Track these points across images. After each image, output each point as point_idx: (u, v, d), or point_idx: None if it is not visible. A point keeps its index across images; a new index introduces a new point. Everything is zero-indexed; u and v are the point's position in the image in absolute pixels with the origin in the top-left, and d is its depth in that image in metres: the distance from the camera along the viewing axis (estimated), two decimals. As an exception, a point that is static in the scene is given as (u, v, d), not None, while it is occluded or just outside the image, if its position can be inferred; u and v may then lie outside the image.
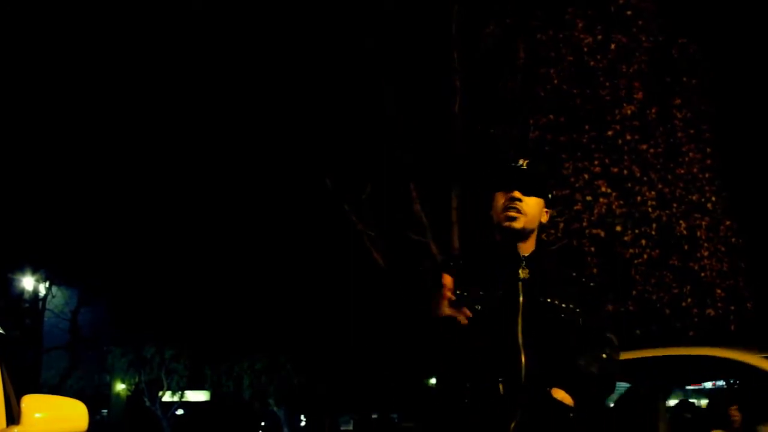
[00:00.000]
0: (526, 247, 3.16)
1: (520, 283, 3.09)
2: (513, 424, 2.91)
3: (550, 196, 3.26)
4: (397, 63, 14.78)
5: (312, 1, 14.77)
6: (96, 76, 18.85)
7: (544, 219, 3.21)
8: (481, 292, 3.07)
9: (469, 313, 2.89)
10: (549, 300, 3.08)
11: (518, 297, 3.06)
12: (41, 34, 18.60)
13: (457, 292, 2.98)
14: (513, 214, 3.09)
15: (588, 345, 3.09)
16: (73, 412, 3.61)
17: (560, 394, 2.96)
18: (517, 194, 3.10)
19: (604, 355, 3.11)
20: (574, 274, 3.26)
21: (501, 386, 2.95)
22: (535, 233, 3.19)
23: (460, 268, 3.13)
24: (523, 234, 3.13)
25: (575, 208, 13.59)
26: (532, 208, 3.12)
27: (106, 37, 17.47)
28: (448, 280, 2.91)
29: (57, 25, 18.23)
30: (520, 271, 3.11)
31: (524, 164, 3.15)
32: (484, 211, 3.30)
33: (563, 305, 3.09)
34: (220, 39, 15.19)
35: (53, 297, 32.21)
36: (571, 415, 2.96)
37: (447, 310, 2.89)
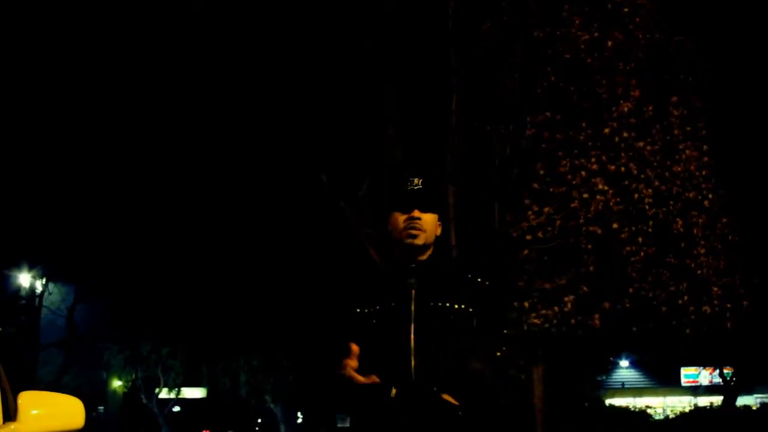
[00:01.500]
0: (420, 259, 3.32)
1: (413, 291, 3.23)
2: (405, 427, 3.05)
3: (441, 211, 3.43)
4: (395, 60, 14.78)
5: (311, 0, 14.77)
6: (94, 72, 18.84)
7: (438, 232, 3.38)
8: (377, 306, 3.26)
9: (377, 379, 3.07)
10: (440, 303, 3.21)
11: (410, 305, 3.20)
12: (41, 33, 18.59)
13: (357, 311, 3.28)
14: (414, 231, 3.26)
15: (480, 343, 3.22)
16: (70, 408, 3.61)
17: (446, 398, 3.07)
18: (416, 213, 3.27)
19: (498, 353, 3.30)
20: (469, 275, 3.38)
21: (393, 390, 3.06)
22: (432, 246, 3.36)
23: (360, 286, 3.39)
24: (423, 249, 3.30)
25: (572, 205, 13.60)
26: (429, 225, 3.30)
27: (105, 37, 17.46)
28: (354, 348, 3.14)
29: (57, 25, 18.22)
30: (410, 280, 3.25)
31: (419, 183, 3.32)
32: (383, 230, 3.46)
33: (455, 306, 3.22)
34: (219, 37, 15.18)
35: (50, 294, 32.23)
36: (460, 413, 3.09)
37: (354, 377, 3.10)
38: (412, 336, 3.14)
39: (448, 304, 3.22)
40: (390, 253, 3.43)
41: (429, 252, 3.34)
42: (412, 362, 3.10)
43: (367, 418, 3.15)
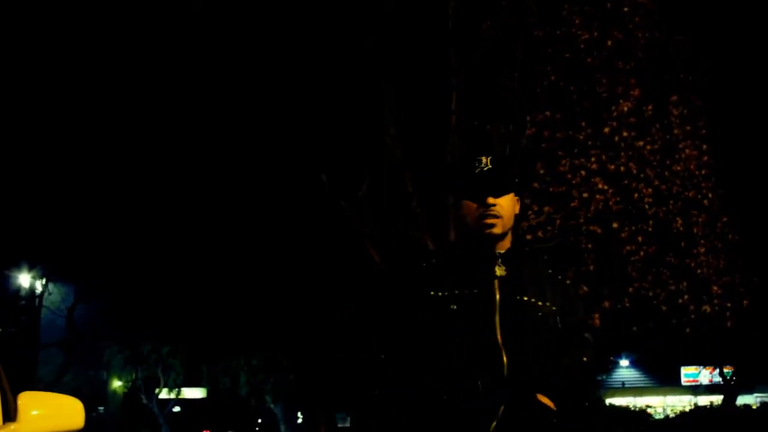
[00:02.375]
0: (503, 245, 3.11)
1: (496, 281, 3.02)
2: (494, 424, 2.85)
3: (517, 181, 3.23)
4: (394, 60, 14.78)
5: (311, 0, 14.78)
6: (93, 72, 18.85)
7: (517, 210, 3.16)
8: (457, 291, 3.01)
9: None
10: (526, 298, 3.02)
11: (494, 295, 2.99)
12: (41, 33, 18.59)
13: (431, 293, 3.02)
14: (491, 221, 3.03)
15: (567, 345, 3.07)
16: (70, 409, 3.61)
17: (544, 400, 2.92)
18: (491, 200, 3.03)
19: (585, 359, 3.11)
20: (550, 271, 3.20)
21: (480, 384, 2.87)
22: (511, 230, 3.15)
23: (433, 268, 3.12)
24: (503, 237, 3.09)
25: (572, 204, 13.60)
26: (507, 209, 3.07)
27: (105, 37, 17.46)
28: None
29: (57, 25, 18.23)
30: (496, 269, 3.05)
31: (488, 163, 3.07)
32: (456, 219, 3.27)
33: (540, 303, 3.04)
34: (219, 37, 15.19)
35: (50, 294, 32.25)
36: (555, 420, 2.92)
37: None
38: (498, 329, 2.94)
39: (533, 300, 3.03)
40: (464, 240, 3.19)
41: (509, 237, 3.13)
42: (504, 357, 2.90)
43: (448, 411, 2.91)
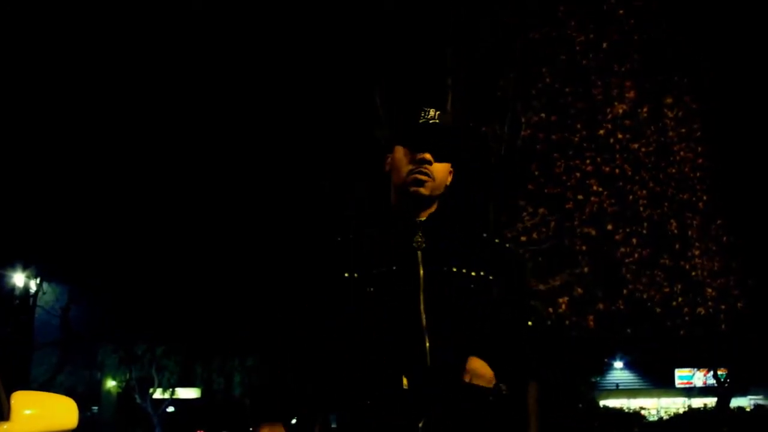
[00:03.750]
0: (425, 213, 2.69)
1: (419, 253, 2.59)
2: (421, 423, 2.44)
3: (455, 159, 2.78)
4: (391, 60, 14.78)
5: (310, 2, 14.77)
6: (90, 70, 18.83)
7: (448, 181, 2.73)
8: (374, 270, 2.58)
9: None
10: (455, 269, 2.58)
11: (418, 269, 2.56)
12: (40, 32, 18.58)
13: (345, 275, 2.60)
14: (421, 177, 2.61)
15: (507, 313, 2.64)
16: (63, 408, 3.61)
17: (477, 363, 2.50)
18: (428, 156, 2.62)
19: (529, 323, 2.69)
20: (484, 234, 2.76)
21: (404, 379, 2.45)
22: (437, 200, 2.73)
23: (347, 244, 2.69)
24: (430, 201, 2.67)
25: (567, 206, 13.62)
26: (440, 173, 2.65)
27: (103, 37, 17.45)
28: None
29: (56, 25, 18.22)
30: (416, 238, 2.62)
31: (435, 116, 2.65)
32: (379, 169, 2.83)
33: (473, 273, 2.59)
34: (218, 40, 15.19)
35: (44, 294, 32.16)
36: (491, 398, 2.50)
37: None
38: (423, 308, 2.50)
39: (464, 270, 2.58)
40: (385, 201, 2.78)
41: (434, 205, 2.70)
42: (426, 344, 2.46)
43: (370, 415, 2.49)
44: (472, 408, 2.48)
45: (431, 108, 2.67)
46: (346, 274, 2.60)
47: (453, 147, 2.73)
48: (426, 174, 2.61)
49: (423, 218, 2.67)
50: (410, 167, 2.63)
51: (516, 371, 2.61)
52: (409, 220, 2.66)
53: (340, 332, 2.60)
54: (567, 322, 13.89)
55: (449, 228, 2.69)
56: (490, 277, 2.61)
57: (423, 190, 2.62)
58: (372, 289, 2.55)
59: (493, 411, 2.51)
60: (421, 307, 2.51)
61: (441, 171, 2.66)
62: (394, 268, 2.57)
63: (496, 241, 2.74)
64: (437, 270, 2.57)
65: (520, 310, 2.69)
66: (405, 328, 2.49)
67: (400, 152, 2.69)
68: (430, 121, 2.64)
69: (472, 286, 2.58)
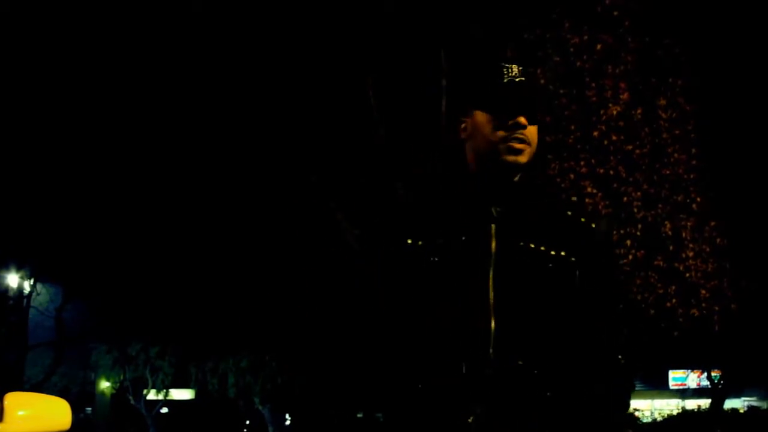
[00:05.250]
0: (514, 182, 2.37)
1: (493, 225, 2.30)
2: (471, 418, 2.17)
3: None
4: (384, 61, 14.79)
5: (302, 2, 14.78)
6: (84, 70, 18.80)
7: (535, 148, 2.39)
8: (440, 240, 2.29)
9: None
10: (532, 245, 2.28)
11: (490, 242, 2.27)
12: (39, 32, 18.55)
13: (408, 241, 2.32)
14: (519, 146, 2.29)
15: (591, 310, 2.33)
16: (57, 409, 3.60)
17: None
18: (523, 120, 2.28)
19: (622, 360, 2.37)
20: (569, 212, 2.41)
21: (464, 365, 2.19)
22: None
23: (410, 211, 2.41)
24: (524, 169, 2.36)
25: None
26: (535, 137, 2.34)
27: (100, 37, 17.43)
28: None
29: (56, 24, 18.19)
30: (492, 209, 2.32)
31: (519, 74, 2.31)
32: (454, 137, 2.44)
33: (552, 252, 2.29)
34: (212, 39, 15.18)
35: (38, 294, 32.10)
36: (548, 394, 2.22)
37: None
38: (491, 286, 2.22)
39: (543, 248, 2.27)
40: (462, 167, 2.42)
41: (518, 175, 2.36)
42: (492, 325, 2.19)
43: (421, 403, 2.23)
44: (533, 402, 2.21)
45: (513, 64, 2.35)
46: (410, 241, 2.32)
47: (541, 107, 2.47)
48: (523, 140, 2.29)
49: (504, 188, 2.35)
50: (501, 134, 2.28)
51: (596, 371, 2.31)
52: (488, 187, 2.33)
53: (395, 308, 2.34)
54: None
55: (533, 200, 2.38)
56: (573, 259, 2.30)
57: (521, 158, 2.30)
58: (435, 260, 2.27)
59: (550, 410, 2.23)
60: (490, 284, 2.23)
61: (534, 135, 2.33)
62: (464, 238, 2.28)
63: (582, 219, 2.38)
64: (512, 245, 2.28)
65: (608, 299, 2.39)
66: (469, 306, 2.22)
67: (482, 117, 2.32)
68: (516, 80, 2.30)
69: (551, 265, 2.28)
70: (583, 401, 2.27)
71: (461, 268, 2.25)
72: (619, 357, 2.36)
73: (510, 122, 2.27)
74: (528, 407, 2.20)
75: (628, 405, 2.45)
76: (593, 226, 2.37)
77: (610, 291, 2.40)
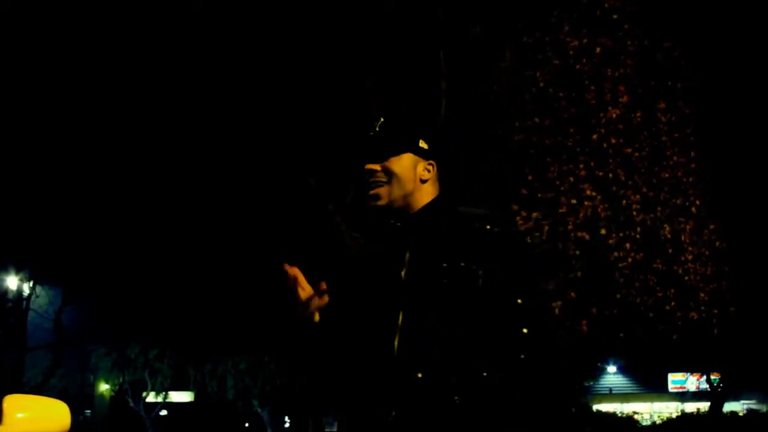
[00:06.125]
0: (410, 209, 2.60)
1: (407, 255, 2.49)
2: (391, 416, 2.34)
3: (421, 143, 2.65)
4: (383, 63, 14.79)
5: (301, 3, 14.78)
6: (82, 72, 18.80)
7: (425, 175, 2.61)
8: (367, 247, 2.64)
9: (324, 301, 2.51)
10: (441, 263, 2.42)
11: (401, 269, 2.48)
12: (38, 31, 18.56)
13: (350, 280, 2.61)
14: (372, 192, 2.57)
15: (494, 312, 2.37)
16: (56, 412, 3.60)
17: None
18: (369, 166, 2.58)
19: (524, 329, 2.36)
20: (476, 224, 2.51)
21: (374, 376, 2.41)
22: (417, 194, 2.60)
23: (359, 253, 2.69)
24: (395, 204, 2.58)
25: (560, 211, 13.63)
26: (402, 170, 2.57)
27: (91, 37, 17.44)
28: (292, 271, 2.60)
29: (55, 24, 18.20)
30: (405, 240, 2.53)
31: (378, 126, 2.63)
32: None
33: (461, 264, 2.40)
34: (211, 40, 15.19)
35: (37, 296, 32.09)
36: (456, 398, 2.31)
37: (301, 308, 2.57)
38: (401, 309, 2.42)
39: (446, 264, 2.41)
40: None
41: (414, 200, 2.59)
42: (396, 340, 2.39)
43: (349, 407, 2.51)
44: (438, 406, 2.33)
45: (380, 119, 2.67)
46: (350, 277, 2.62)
47: (395, 138, 2.63)
48: (376, 184, 2.58)
49: (410, 212, 2.60)
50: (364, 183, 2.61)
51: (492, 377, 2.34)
52: (386, 222, 2.61)
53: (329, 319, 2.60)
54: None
55: (437, 223, 2.54)
56: (474, 268, 2.40)
57: (381, 202, 2.59)
58: (363, 268, 2.58)
59: (458, 413, 2.32)
60: (400, 306, 2.43)
61: (402, 167, 2.59)
62: (383, 252, 2.55)
63: (488, 227, 2.48)
64: (420, 264, 2.47)
65: (512, 310, 2.39)
66: (380, 326, 2.44)
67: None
68: (371, 134, 2.64)
69: (456, 276, 2.39)
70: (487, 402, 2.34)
71: (376, 295, 2.49)
72: (520, 354, 2.35)
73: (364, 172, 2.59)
74: (433, 414, 2.33)
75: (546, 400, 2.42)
76: (495, 229, 2.48)
77: (509, 288, 2.42)
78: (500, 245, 2.46)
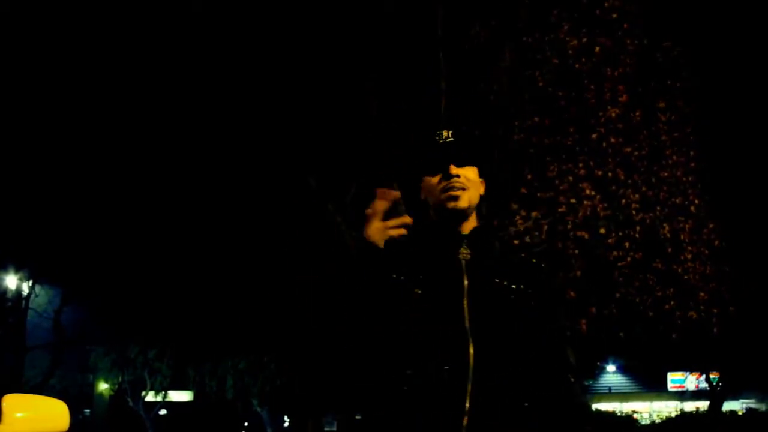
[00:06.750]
0: (468, 226, 2.76)
1: (463, 262, 2.67)
2: (465, 420, 2.46)
3: (482, 166, 2.84)
4: (382, 63, 14.79)
5: (301, 4, 14.77)
6: (82, 72, 18.80)
7: (482, 191, 2.82)
8: (421, 276, 2.64)
9: (410, 220, 2.59)
10: (497, 280, 2.66)
11: (462, 279, 2.63)
12: (38, 31, 18.56)
13: (393, 276, 2.65)
14: (455, 193, 2.69)
15: (545, 336, 2.68)
16: (55, 411, 3.61)
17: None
18: (453, 169, 2.70)
19: (571, 358, 2.72)
20: (523, 255, 2.84)
21: (447, 374, 2.50)
22: (475, 210, 2.80)
23: (396, 250, 2.67)
24: (469, 212, 2.75)
25: (559, 210, 13.62)
26: (473, 182, 2.74)
27: (90, 37, 17.43)
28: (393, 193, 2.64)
29: (54, 24, 18.19)
30: (461, 251, 2.69)
31: (449, 135, 2.78)
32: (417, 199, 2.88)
33: (513, 286, 2.66)
34: (209, 38, 15.17)
35: (36, 296, 32.11)
36: (526, 404, 2.56)
37: (384, 229, 2.59)
38: (467, 314, 2.56)
39: (506, 283, 2.65)
40: (427, 219, 2.80)
41: (473, 216, 2.78)
42: (471, 348, 2.51)
43: (411, 399, 2.54)
44: (510, 412, 2.54)
45: (445, 130, 2.81)
46: (394, 275, 2.64)
47: (473, 153, 2.80)
48: (458, 187, 2.70)
49: (466, 231, 2.75)
50: (441, 186, 2.71)
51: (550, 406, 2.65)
52: (454, 231, 2.73)
53: (383, 332, 2.63)
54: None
55: (491, 243, 2.78)
56: (530, 291, 2.68)
57: (460, 204, 2.70)
58: (420, 291, 2.61)
59: (529, 417, 2.57)
60: (465, 313, 2.57)
61: (473, 179, 2.75)
62: (441, 275, 2.65)
63: (533, 260, 2.80)
64: (480, 279, 2.64)
65: (558, 337, 2.75)
66: (449, 330, 2.56)
67: (427, 181, 2.80)
68: (447, 141, 2.77)
69: (512, 297, 2.65)
70: (551, 412, 2.65)
71: (440, 299, 2.60)
72: (570, 377, 2.71)
73: (444, 175, 2.71)
74: (509, 416, 2.53)
75: (590, 415, 2.82)
76: (542, 265, 2.78)
77: (557, 320, 2.77)
78: (546, 276, 2.80)
